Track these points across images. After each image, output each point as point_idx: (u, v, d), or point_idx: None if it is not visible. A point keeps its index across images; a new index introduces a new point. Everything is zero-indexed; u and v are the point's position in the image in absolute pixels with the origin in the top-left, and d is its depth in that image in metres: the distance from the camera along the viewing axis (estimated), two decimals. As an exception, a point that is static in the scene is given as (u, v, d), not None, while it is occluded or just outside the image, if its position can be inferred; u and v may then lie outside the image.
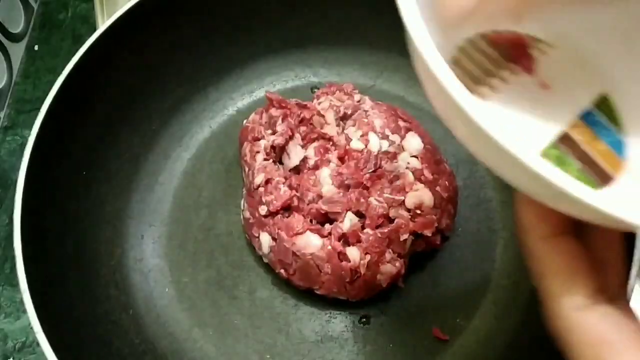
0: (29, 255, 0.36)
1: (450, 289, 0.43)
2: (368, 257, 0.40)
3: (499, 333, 0.42)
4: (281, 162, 0.45)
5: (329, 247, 0.40)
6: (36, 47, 0.59)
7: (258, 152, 0.44)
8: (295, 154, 0.44)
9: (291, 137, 0.44)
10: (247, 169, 0.45)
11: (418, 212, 0.41)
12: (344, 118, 0.45)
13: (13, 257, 0.35)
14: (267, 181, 0.43)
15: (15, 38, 0.58)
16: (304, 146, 0.44)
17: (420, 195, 0.41)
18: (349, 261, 0.40)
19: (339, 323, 0.43)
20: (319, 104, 0.46)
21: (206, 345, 0.42)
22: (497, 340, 0.41)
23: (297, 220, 0.41)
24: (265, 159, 0.44)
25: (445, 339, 0.42)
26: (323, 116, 0.45)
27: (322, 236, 0.41)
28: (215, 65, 0.51)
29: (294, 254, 0.41)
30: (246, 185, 0.45)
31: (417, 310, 0.43)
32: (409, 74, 0.49)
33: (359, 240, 0.40)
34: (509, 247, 0.45)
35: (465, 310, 0.43)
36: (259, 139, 0.45)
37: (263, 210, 0.42)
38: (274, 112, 0.45)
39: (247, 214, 0.44)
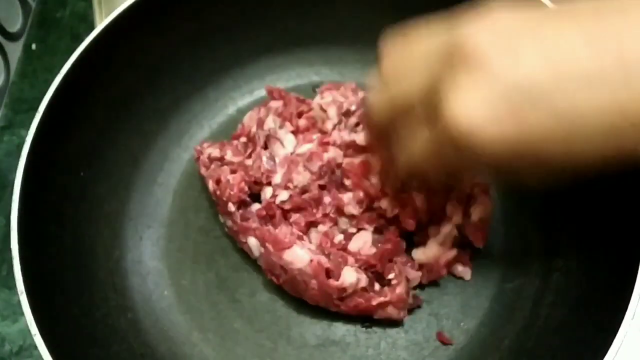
0: (26, 257, 0.35)
1: (455, 292, 0.43)
2: (363, 279, 0.39)
3: (503, 336, 0.41)
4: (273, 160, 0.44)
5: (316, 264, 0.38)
6: (34, 46, 0.59)
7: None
8: (288, 142, 0.43)
9: (281, 127, 0.44)
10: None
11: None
12: (347, 114, 0.44)
13: (10, 259, 0.35)
14: (217, 181, 0.42)
15: (12, 37, 0.57)
16: (296, 135, 0.44)
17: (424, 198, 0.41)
18: (337, 279, 0.38)
19: (341, 327, 0.42)
20: (322, 99, 0.45)
21: (206, 349, 0.42)
22: (502, 343, 0.41)
23: (283, 233, 0.40)
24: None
25: (450, 343, 0.41)
26: (325, 111, 0.44)
27: (311, 250, 0.39)
28: (215, 64, 0.50)
29: (281, 267, 0.40)
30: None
31: (421, 314, 0.42)
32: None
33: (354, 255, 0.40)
34: (513, 251, 0.44)
35: (469, 313, 0.42)
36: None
37: (236, 214, 0.42)
38: (273, 103, 0.45)
39: (229, 223, 0.43)
